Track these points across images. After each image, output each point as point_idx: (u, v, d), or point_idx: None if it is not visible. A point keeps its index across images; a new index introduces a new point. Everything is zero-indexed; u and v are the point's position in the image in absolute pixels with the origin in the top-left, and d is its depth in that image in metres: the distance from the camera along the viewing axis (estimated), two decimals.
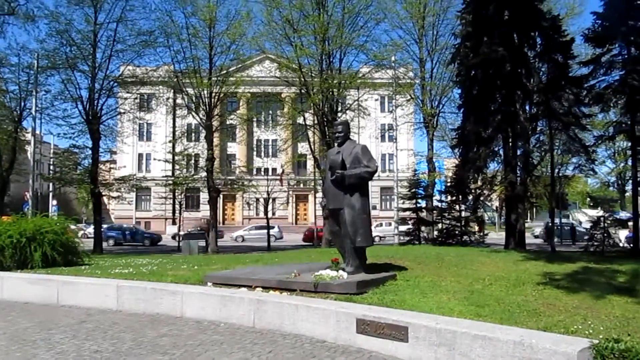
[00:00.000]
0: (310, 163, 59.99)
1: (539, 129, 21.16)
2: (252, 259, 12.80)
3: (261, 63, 37.68)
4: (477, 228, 20.19)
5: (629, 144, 19.98)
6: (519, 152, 19.55)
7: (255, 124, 57.98)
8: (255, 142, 65.05)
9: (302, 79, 28.46)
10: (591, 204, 19.26)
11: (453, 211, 20.37)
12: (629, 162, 22.85)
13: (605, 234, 17.57)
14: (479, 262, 10.93)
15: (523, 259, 11.47)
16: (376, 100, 56.08)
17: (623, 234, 25.57)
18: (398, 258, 11.38)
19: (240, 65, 30.97)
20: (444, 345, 5.60)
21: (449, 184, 23.60)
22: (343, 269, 8.89)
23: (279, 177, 56.70)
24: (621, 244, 24.42)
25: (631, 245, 19.81)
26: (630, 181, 19.29)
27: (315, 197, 66.92)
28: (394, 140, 35.80)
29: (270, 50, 30.42)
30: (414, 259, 11.28)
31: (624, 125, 19.93)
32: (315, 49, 28.31)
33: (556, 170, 21.13)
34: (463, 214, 20.35)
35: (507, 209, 20.19)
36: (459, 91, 31.73)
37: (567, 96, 20.77)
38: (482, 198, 20.52)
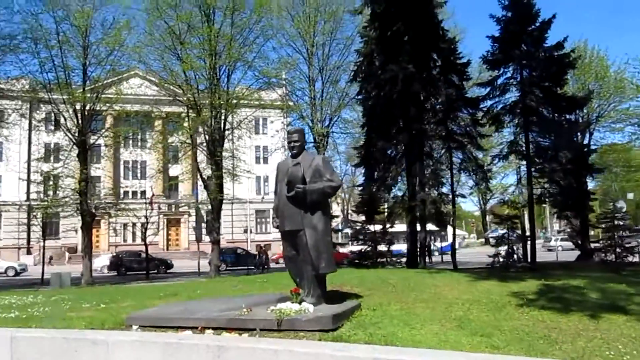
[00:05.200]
0: (182, 186, 57.27)
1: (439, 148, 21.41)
2: (168, 292, 10.91)
3: (135, 78, 35.16)
4: (386, 248, 19.76)
5: (524, 162, 20.87)
6: (426, 171, 19.51)
7: (122, 144, 54.06)
8: (122, 164, 60.52)
9: (192, 95, 26.51)
10: (495, 222, 19.81)
11: (367, 232, 19.78)
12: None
13: (510, 250, 17.97)
14: (431, 284, 10.18)
15: (471, 279, 10.94)
16: (250, 121, 55.09)
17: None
18: (341, 284, 10.25)
19: (117, 78, 28.21)
20: None
21: (356, 204, 23.04)
22: (303, 301, 7.57)
23: (149, 201, 53.00)
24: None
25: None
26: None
27: (188, 222, 63.89)
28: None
29: (154, 63, 28.02)
30: (360, 284, 10.24)
31: (517, 145, 20.78)
32: (204, 63, 26.59)
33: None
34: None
35: (414, 228, 20.01)
36: (349, 111, 32.37)
37: (464, 117, 21.31)
38: (392, 217, 20.19)
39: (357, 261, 18.91)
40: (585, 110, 25.24)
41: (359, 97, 22.94)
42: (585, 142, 25.37)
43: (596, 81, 27.54)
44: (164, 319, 7.62)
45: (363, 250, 19.42)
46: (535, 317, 7.18)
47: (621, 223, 17.81)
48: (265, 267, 32.64)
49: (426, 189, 19.39)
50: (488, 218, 77.52)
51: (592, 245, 21.83)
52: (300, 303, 7.42)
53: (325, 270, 7.71)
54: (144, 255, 37.00)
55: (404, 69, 18.45)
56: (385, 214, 20.72)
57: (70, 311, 9.28)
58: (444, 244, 36.30)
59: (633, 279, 11.37)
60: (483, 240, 73.59)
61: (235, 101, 27.84)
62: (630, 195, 45.70)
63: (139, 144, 48.94)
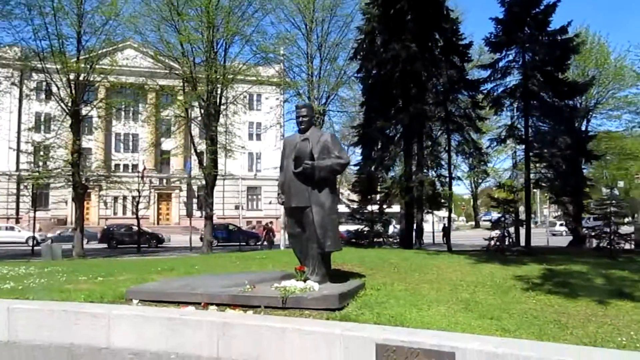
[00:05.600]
0: (174, 160, 56.85)
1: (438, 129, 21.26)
2: (165, 267, 10.75)
3: (129, 49, 34.53)
4: (382, 229, 19.70)
5: (522, 146, 20.78)
6: (425, 152, 19.38)
7: (115, 116, 53.39)
8: (114, 136, 59.88)
9: (189, 68, 26.08)
10: (492, 205, 19.78)
11: (364, 211, 19.67)
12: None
13: (506, 234, 17.95)
14: (432, 266, 10.12)
15: (472, 261, 10.90)
16: (244, 97, 54.52)
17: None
18: (342, 263, 10.16)
19: (112, 48, 27.64)
20: None
21: (352, 183, 22.92)
22: (308, 279, 7.45)
23: (140, 175, 52.57)
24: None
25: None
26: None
27: (180, 197, 63.61)
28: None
29: (150, 34, 27.47)
30: (361, 263, 10.16)
31: (516, 129, 20.68)
32: (201, 35, 26.10)
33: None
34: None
35: (410, 209, 19.94)
36: (346, 90, 32.02)
37: (464, 99, 21.14)
38: (390, 198, 20.08)
39: (353, 240, 18.83)
40: (583, 97, 25.16)
41: (359, 75, 22.66)
42: (583, 128, 25.37)
43: (596, 67, 27.43)
44: (165, 293, 7.48)
45: (360, 230, 19.36)
46: (543, 301, 7.11)
47: (617, 210, 17.82)
48: (272, 244, 32.57)
49: (424, 170, 19.30)
50: (479, 201, 78.04)
51: (586, 231, 21.96)
52: (305, 281, 7.31)
53: (331, 248, 7.59)
54: (135, 228, 36.84)
55: (406, 48, 18.18)
56: (381, 194, 20.52)
57: (66, 283, 9.11)
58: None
59: (632, 265, 11.35)
60: (473, 223, 74.02)
61: (231, 76, 27.44)
62: (620, 183, 46.13)
63: (132, 116, 48.26)
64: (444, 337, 5.06)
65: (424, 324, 5.87)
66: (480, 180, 58.29)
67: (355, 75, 24.10)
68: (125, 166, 56.35)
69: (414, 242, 19.73)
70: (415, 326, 5.74)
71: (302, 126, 7.78)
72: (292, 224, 7.87)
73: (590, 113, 26.40)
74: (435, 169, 20.10)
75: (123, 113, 43.88)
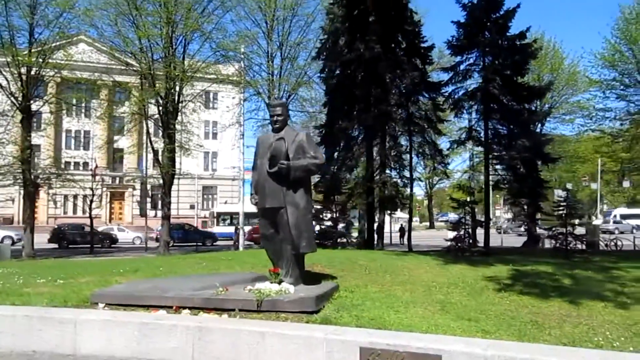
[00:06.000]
0: (128, 159, 55.50)
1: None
2: (128, 269, 10.36)
3: (83, 44, 33.44)
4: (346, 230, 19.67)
5: (481, 148, 21.16)
6: (389, 153, 19.47)
7: (66, 112, 51.64)
8: (65, 133, 57.97)
9: (147, 64, 25.41)
10: (453, 206, 20.06)
11: (327, 212, 19.56)
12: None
13: (466, 235, 18.23)
14: (402, 267, 10.13)
15: (441, 262, 10.98)
16: (200, 95, 53.66)
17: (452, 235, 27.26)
18: (311, 264, 10.02)
19: (66, 42, 26.64)
20: None
21: (314, 184, 22.79)
22: (282, 281, 7.31)
23: (92, 173, 51.01)
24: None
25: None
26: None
27: (133, 196, 62.14)
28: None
29: (107, 29, 26.62)
30: (330, 265, 10.06)
31: (475, 131, 21.04)
32: (160, 30, 25.47)
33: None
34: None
35: (371, 210, 20.00)
36: (306, 89, 31.89)
37: (425, 101, 21.37)
38: (352, 198, 20.08)
39: (317, 241, 18.67)
40: (538, 101, 25.86)
41: (322, 75, 22.58)
42: (538, 131, 26.02)
43: (551, 73, 28.30)
44: (134, 297, 7.18)
45: (323, 230, 19.26)
46: (516, 302, 7.20)
47: (573, 212, 18.38)
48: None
49: (386, 171, 19.40)
50: (433, 202, 79.26)
51: (542, 232, 22.62)
52: (279, 283, 7.17)
53: (306, 249, 7.48)
54: (87, 228, 35.67)
55: (370, 49, 18.23)
56: (344, 195, 20.48)
57: (24, 287, 8.66)
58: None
59: (590, 265, 11.69)
60: (427, 223, 75.09)
61: (190, 73, 26.90)
62: (569, 185, 47.83)
63: (84, 112, 46.71)
64: (429, 340, 5.02)
65: (405, 326, 5.83)
66: (434, 182, 59.25)
67: (318, 75, 24.04)
68: (77, 164, 54.64)
69: (375, 242, 19.78)
70: (396, 328, 5.70)
71: (277, 125, 7.60)
72: (265, 224, 7.69)
73: (546, 117, 27.20)
74: (398, 170, 20.24)
75: (75, 109, 42.51)
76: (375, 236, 20.44)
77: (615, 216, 50.12)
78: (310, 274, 8.81)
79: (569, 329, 5.90)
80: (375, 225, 20.97)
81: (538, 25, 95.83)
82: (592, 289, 7.94)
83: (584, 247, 18.90)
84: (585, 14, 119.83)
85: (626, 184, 58.89)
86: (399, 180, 20.12)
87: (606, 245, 22.45)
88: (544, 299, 7.29)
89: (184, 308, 6.64)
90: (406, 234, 25.78)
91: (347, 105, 19.63)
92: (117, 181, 62.05)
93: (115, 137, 46.83)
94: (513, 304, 7.03)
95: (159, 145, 28.66)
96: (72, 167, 52.63)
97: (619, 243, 23.30)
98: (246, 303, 6.58)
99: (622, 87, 21.79)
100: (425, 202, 79.23)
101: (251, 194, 7.87)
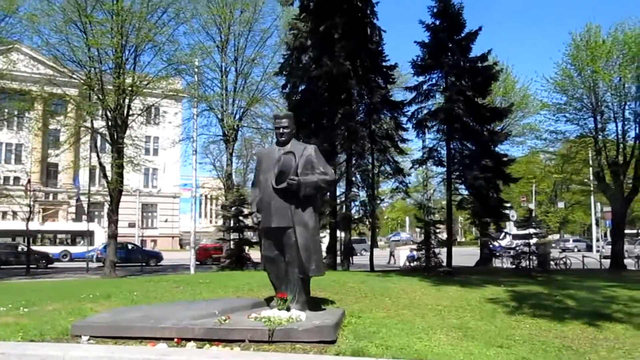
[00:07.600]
0: (62, 175, 52.84)
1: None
2: (98, 294, 9.39)
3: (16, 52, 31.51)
4: None
5: (443, 168, 21.25)
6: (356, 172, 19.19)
7: None
8: None
9: (96, 75, 24.10)
10: (418, 225, 19.88)
11: None
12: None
13: (432, 254, 18.13)
14: (395, 288, 9.76)
15: (430, 283, 10.67)
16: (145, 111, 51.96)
17: (404, 254, 27.26)
18: None
19: (7, 48, 24.96)
20: None
21: None
22: (289, 307, 6.73)
23: (25, 189, 48.03)
24: (402, 264, 25.99)
25: (411, 264, 20.86)
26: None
27: (67, 213, 59.04)
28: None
29: (52, 35, 25.06)
30: (320, 287, 9.49)
31: (436, 151, 21.13)
32: (111, 39, 24.26)
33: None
34: None
35: (334, 230, 19.61)
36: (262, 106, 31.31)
37: (387, 120, 21.31)
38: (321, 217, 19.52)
39: None
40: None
41: (284, 91, 22.10)
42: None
43: (503, 96, 29.10)
44: (122, 327, 6.42)
45: None
46: (534, 325, 6.94)
47: (537, 231, 18.66)
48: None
49: (353, 190, 19.10)
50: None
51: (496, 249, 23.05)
52: (288, 310, 6.59)
53: (316, 273, 6.98)
54: (21, 247, 33.38)
55: (339, 65, 17.99)
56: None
57: None
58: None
59: (572, 283, 11.75)
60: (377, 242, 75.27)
61: (142, 86, 25.72)
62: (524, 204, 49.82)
63: (15, 125, 44.01)
64: None
65: (440, 355, 5.41)
66: (378, 202, 59.54)
67: (280, 91, 23.51)
68: (7, 178, 51.42)
69: (339, 262, 19.36)
70: (433, 358, 5.27)
71: (283, 138, 7.08)
72: (269, 246, 7.09)
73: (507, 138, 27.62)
74: (365, 189, 19.98)
75: (6, 122, 39.97)
76: (341, 257, 20.09)
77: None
78: None
79: (605, 354, 5.68)
80: (342, 245, 20.70)
81: (494, 50, 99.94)
82: (600, 310, 7.82)
83: (535, 265, 19.00)
84: (537, 40, 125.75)
85: (561, 204, 61.55)
86: (365, 199, 19.85)
87: (556, 264, 22.94)
88: (559, 321, 7.07)
89: (188, 340, 5.96)
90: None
91: (312, 122, 19.24)
92: (50, 197, 58.93)
93: (53, 152, 44.34)
94: (533, 328, 6.75)
95: (106, 160, 27.21)
96: (1, 181, 49.47)
97: (567, 262, 23.90)
98: (256, 333, 5.99)
99: (573, 110, 22.53)
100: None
101: (253, 213, 7.27)
